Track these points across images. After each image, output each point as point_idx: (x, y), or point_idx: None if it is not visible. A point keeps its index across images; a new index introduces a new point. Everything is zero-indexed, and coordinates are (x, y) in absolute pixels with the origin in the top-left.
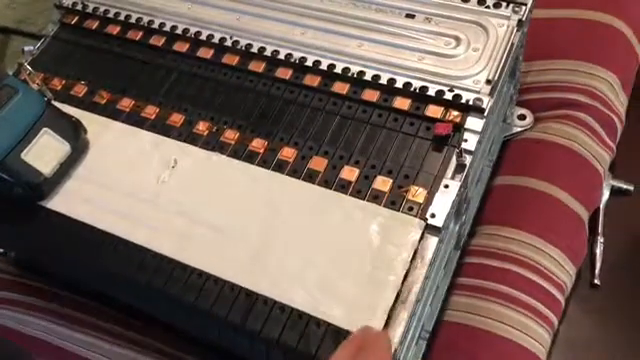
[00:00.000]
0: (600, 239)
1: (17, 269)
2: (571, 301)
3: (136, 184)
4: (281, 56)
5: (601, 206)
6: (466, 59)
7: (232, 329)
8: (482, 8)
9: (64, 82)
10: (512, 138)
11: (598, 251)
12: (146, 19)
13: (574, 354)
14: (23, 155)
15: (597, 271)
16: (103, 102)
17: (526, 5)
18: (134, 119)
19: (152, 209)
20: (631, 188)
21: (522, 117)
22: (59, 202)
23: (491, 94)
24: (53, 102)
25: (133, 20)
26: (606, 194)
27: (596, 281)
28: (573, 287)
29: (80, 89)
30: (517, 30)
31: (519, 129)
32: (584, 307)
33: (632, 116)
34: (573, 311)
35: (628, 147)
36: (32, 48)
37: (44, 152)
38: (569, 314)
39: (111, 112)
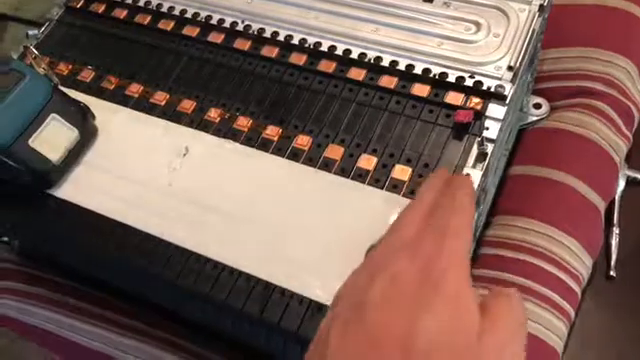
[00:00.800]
0: (616, 230)
1: (21, 258)
2: (586, 293)
3: (147, 172)
4: (295, 41)
5: (616, 197)
6: (487, 45)
7: (248, 320)
8: None
9: (70, 67)
10: (527, 127)
11: (614, 242)
12: (154, 2)
13: (589, 346)
14: (30, 142)
15: (613, 263)
16: (111, 87)
17: None
18: (143, 105)
19: (163, 197)
20: None
21: (538, 106)
22: (67, 190)
23: (513, 81)
24: (60, 87)
25: (141, 3)
26: (621, 184)
27: (612, 273)
28: (588, 279)
29: (87, 74)
30: (539, 15)
31: (535, 118)
32: (599, 299)
33: None
34: (588, 303)
35: None
36: (37, 32)
37: (52, 139)
38: (584, 306)
39: (120, 98)
